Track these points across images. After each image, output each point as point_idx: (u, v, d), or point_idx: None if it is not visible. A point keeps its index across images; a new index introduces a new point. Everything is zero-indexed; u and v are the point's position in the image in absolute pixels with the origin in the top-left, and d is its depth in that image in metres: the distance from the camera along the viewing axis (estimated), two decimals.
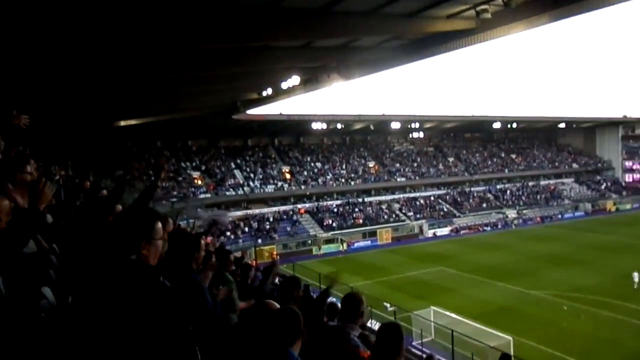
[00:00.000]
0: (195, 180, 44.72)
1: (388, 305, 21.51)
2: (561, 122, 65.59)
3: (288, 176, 49.87)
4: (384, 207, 51.38)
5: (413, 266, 34.08)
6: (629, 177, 69.61)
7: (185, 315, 2.23)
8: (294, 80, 21.36)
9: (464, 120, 60.22)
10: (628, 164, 70.05)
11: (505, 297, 25.92)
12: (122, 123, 31.75)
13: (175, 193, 40.62)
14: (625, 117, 70.88)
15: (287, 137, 54.92)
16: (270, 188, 47.54)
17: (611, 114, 71.38)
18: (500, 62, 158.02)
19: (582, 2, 12.88)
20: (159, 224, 2.23)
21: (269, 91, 25.07)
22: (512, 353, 16.96)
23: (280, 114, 43.69)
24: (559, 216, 56.24)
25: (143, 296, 1.92)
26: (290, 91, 24.55)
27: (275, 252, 35.97)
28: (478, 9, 14.08)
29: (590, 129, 73.53)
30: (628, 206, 62.37)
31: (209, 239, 10.51)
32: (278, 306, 3.27)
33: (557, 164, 68.15)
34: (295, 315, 2.76)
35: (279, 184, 48.56)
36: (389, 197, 53.23)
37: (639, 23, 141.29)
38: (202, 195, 42.81)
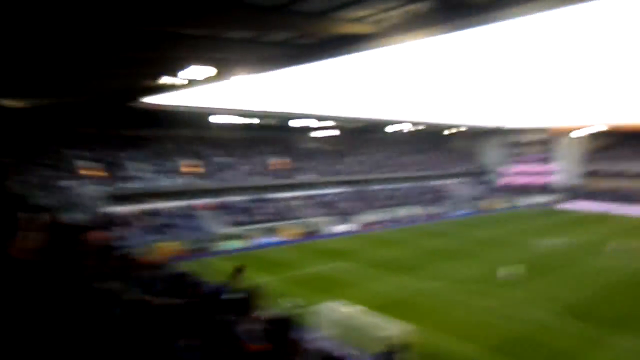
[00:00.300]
0: (85, 171, 40.97)
1: (289, 300, 21.66)
2: (449, 128, 71.37)
3: (189, 170, 47.92)
4: (288, 203, 51.76)
5: (317, 262, 34.77)
6: (504, 180, 78.36)
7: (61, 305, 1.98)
8: (197, 70, 20.52)
9: (366, 122, 62.95)
10: (504, 168, 78.94)
11: (400, 289, 27.51)
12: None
13: (58, 183, 36.89)
14: (500, 126, 79.60)
15: (189, 130, 52.81)
16: (168, 182, 45.31)
17: (491, 123, 79.24)
18: (405, 66, 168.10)
19: (471, 18, 14.04)
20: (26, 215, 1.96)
21: (170, 80, 23.83)
22: (410, 341, 18.12)
23: (182, 105, 41.83)
24: (447, 214, 61.24)
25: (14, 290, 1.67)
26: (193, 81, 23.60)
27: (170, 251, 34.44)
28: (382, 15, 14.73)
29: (474, 136, 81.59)
30: (504, 206, 70.14)
31: (102, 234, 9.65)
32: (161, 302, 3.09)
33: (445, 165, 74.27)
34: (177, 311, 2.63)
35: (179, 178, 46.50)
36: (293, 194, 53.76)
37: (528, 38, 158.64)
38: (93, 187, 39.38)
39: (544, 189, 76.25)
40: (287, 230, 45.51)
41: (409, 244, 41.28)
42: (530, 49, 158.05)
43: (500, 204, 70.25)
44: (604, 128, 72.31)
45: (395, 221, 54.32)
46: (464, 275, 30.42)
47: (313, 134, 64.73)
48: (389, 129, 67.52)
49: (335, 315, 19.93)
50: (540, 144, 78.84)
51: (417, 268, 32.39)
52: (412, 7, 14.06)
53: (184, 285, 4.25)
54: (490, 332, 20.65)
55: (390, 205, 58.39)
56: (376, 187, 62.48)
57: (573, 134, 76.55)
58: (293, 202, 52.67)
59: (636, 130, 70.50)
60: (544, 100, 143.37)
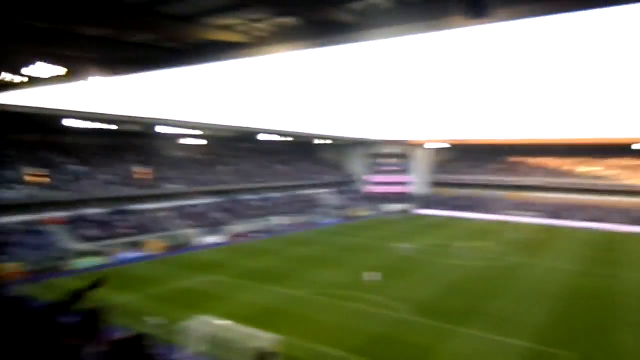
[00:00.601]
0: None
1: (151, 319, 20.33)
2: (318, 138, 74.48)
3: (34, 179, 42.12)
4: (154, 215, 48.61)
5: (184, 276, 33.14)
6: (368, 189, 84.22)
7: None
8: (42, 67, 18.21)
9: (236, 130, 62.41)
10: (368, 177, 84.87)
11: (271, 299, 27.62)
12: None
13: None
14: (365, 138, 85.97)
15: (35, 134, 46.61)
16: (9, 193, 39.27)
17: (355, 134, 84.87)
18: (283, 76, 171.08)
19: (335, 36, 14.84)
20: None
21: (9, 76, 20.78)
22: (277, 350, 18.19)
23: (26, 105, 36.79)
24: (316, 223, 63.48)
25: None
26: (36, 80, 20.88)
27: (9, 273, 29.93)
28: (251, 25, 14.80)
29: (341, 147, 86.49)
30: (368, 213, 75.29)
31: None
32: None
33: (315, 175, 77.17)
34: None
35: (22, 188, 40.58)
36: (159, 205, 50.69)
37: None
38: None
39: (402, 197, 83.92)
40: (153, 244, 42.65)
41: (279, 254, 41.78)
42: (393, 68, 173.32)
43: (364, 211, 75.22)
44: (447, 145, 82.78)
45: (266, 231, 54.54)
46: (331, 281, 31.76)
47: (181, 142, 62.01)
48: (260, 137, 67.72)
49: (203, 330, 19.19)
50: (398, 156, 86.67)
51: (287, 277, 32.91)
52: (279, 21, 14.39)
53: (8, 308, 3.65)
54: (354, 335, 21.83)
55: (261, 215, 58.53)
56: (247, 196, 62.17)
57: (424, 148, 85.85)
58: (159, 214, 49.65)
59: (470, 145, 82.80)
60: (402, 115, 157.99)
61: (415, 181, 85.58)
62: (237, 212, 56.90)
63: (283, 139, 70.78)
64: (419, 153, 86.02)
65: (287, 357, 17.78)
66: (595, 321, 24.50)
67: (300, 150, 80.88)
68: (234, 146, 69.44)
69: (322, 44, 16.22)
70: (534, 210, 70.38)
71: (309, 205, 68.91)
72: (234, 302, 26.63)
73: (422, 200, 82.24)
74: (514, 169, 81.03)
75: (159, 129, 53.36)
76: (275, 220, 58.46)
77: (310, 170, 77.88)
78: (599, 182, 71.36)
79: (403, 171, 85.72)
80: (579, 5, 12.29)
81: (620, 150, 72.90)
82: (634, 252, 45.23)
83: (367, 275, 29.68)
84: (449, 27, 14.27)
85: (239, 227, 52.66)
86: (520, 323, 23.82)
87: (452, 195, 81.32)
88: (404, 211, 78.15)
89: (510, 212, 71.29)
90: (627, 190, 68.47)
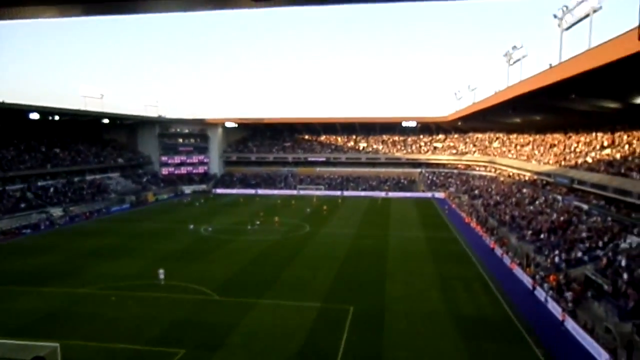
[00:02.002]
0: None
1: None
2: (105, 117, 66.64)
3: None
4: None
5: None
6: (165, 171, 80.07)
7: None
8: None
9: None
10: (164, 158, 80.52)
11: (51, 302, 24.02)
12: None
13: None
14: (160, 116, 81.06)
15: None
16: None
17: (149, 113, 79.33)
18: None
19: (112, 5, 13.28)
20: None
21: None
22: (58, 358, 16.03)
23: None
24: (106, 210, 57.54)
25: None
26: None
27: None
28: None
29: (132, 126, 79.38)
30: (165, 196, 71.81)
31: None
32: None
33: (102, 159, 69.33)
34: None
35: None
36: None
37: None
38: None
39: (200, 177, 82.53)
40: None
41: (61, 249, 36.55)
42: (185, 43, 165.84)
43: (162, 194, 71.46)
44: (235, 124, 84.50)
45: (42, 224, 46.97)
46: (124, 273, 29.37)
47: None
48: (32, 116, 55.58)
49: None
50: (195, 136, 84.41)
51: (70, 275, 29.08)
52: None
53: None
54: (152, 326, 20.73)
55: (35, 207, 50.02)
56: (15, 186, 52.05)
57: (221, 127, 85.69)
58: None
59: (262, 124, 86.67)
60: (199, 93, 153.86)
61: (213, 161, 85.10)
62: None
63: (59, 118, 60.29)
64: (215, 133, 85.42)
65: None
66: (369, 275, 28.79)
67: (83, 131, 70.76)
68: None
69: (96, 12, 14.36)
70: (323, 184, 78.06)
71: (97, 191, 61.76)
72: (3, 314, 22.32)
73: (219, 180, 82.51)
74: (303, 146, 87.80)
75: None
76: (55, 212, 50.77)
77: (96, 153, 69.43)
78: (376, 156, 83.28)
79: (201, 151, 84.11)
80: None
81: (392, 128, 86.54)
82: (400, 214, 54.48)
83: (162, 274, 27.60)
84: (236, 6, 14.30)
85: (3, 223, 43.97)
86: (311, 286, 26.33)
87: (248, 174, 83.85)
88: (203, 192, 77.15)
89: (302, 186, 77.52)
90: (397, 162, 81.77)
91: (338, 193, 74.59)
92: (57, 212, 51.19)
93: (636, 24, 13.21)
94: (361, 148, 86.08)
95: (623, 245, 25.27)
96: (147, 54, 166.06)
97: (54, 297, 24.78)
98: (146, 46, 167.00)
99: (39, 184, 55.36)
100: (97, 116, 64.75)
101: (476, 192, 61.71)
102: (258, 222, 47.04)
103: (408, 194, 72.21)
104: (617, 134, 40.42)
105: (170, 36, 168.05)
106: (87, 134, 71.83)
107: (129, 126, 79.19)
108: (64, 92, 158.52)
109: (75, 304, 23.70)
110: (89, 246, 37.60)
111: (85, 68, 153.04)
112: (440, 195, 70.36)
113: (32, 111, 53.30)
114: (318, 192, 74.41)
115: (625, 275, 21.43)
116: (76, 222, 50.40)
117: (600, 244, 26.92)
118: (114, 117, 68.15)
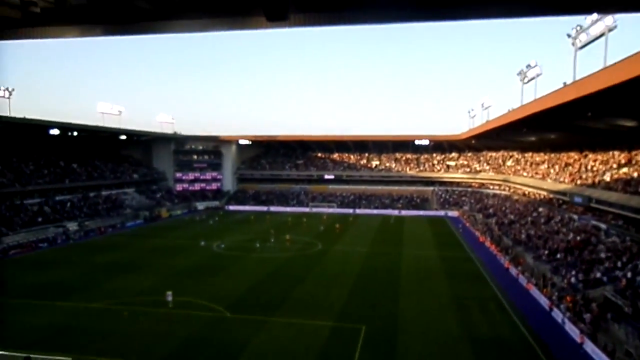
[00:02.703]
0: None
1: None
2: (122, 134, 67.81)
3: None
4: None
5: None
6: (179, 187, 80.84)
7: None
8: None
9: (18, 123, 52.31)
10: (178, 175, 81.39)
11: (66, 316, 24.18)
12: None
13: None
14: (175, 133, 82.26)
15: None
16: None
17: (165, 129, 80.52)
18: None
19: (131, 24, 13.62)
20: None
21: None
22: None
23: None
24: (120, 225, 58.07)
25: None
26: None
27: None
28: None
29: (148, 143, 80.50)
30: (179, 212, 72.33)
31: None
32: None
33: (119, 174, 70.30)
34: None
35: None
36: None
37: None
38: None
39: (214, 194, 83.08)
40: None
41: (75, 264, 36.92)
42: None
43: (176, 210, 72.01)
44: (248, 142, 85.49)
45: (59, 238, 47.55)
46: (138, 288, 29.50)
47: None
48: (52, 132, 56.68)
49: None
50: (210, 152, 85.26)
51: (84, 289, 29.30)
52: None
53: None
54: (165, 342, 20.71)
55: (52, 221, 50.69)
56: (33, 200, 52.90)
57: (235, 144, 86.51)
58: None
59: (275, 142, 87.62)
60: (214, 111, 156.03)
61: (226, 178, 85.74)
62: (17, 219, 47.91)
63: (77, 134, 61.38)
64: (230, 149, 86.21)
65: None
66: (382, 294, 28.44)
67: (99, 147, 72.05)
68: (15, 141, 57.80)
69: (116, 32, 14.73)
70: (335, 202, 77.92)
71: (112, 207, 62.48)
72: (15, 328, 22.49)
73: (232, 197, 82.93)
74: (315, 164, 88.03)
75: None
76: (71, 226, 51.39)
77: (112, 169, 70.51)
78: (388, 174, 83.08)
79: (215, 168, 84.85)
80: (374, 18, 13.90)
81: (404, 146, 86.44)
82: (413, 232, 54.02)
83: (169, 296, 27.35)
84: (252, 27, 14.54)
85: (20, 237, 44.63)
86: (323, 304, 26.09)
87: (261, 191, 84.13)
88: (215, 208, 77.55)
89: (314, 204, 77.46)
90: (409, 180, 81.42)
91: (350, 211, 74.35)
92: (72, 226, 51.79)
93: None
94: (374, 166, 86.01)
95: None
96: (163, 72, 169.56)
97: (68, 311, 24.95)
98: (163, 64, 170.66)
99: (57, 198, 56.24)
100: (115, 132, 65.94)
101: (490, 210, 61.02)
102: (269, 240, 46.99)
103: (421, 212, 71.72)
104: (634, 152, 39.82)
105: (187, 55, 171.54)
106: (104, 149, 73.08)
107: (144, 142, 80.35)
108: (82, 107, 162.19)
109: (89, 319, 23.81)
110: (103, 261, 37.90)
111: (101, 85, 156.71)
112: (453, 213, 69.72)
113: (53, 127, 54.35)
114: (330, 210, 74.28)
115: None
116: (90, 237, 50.91)
117: (619, 264, 26.32)
118: (131, 134, 69.29)
